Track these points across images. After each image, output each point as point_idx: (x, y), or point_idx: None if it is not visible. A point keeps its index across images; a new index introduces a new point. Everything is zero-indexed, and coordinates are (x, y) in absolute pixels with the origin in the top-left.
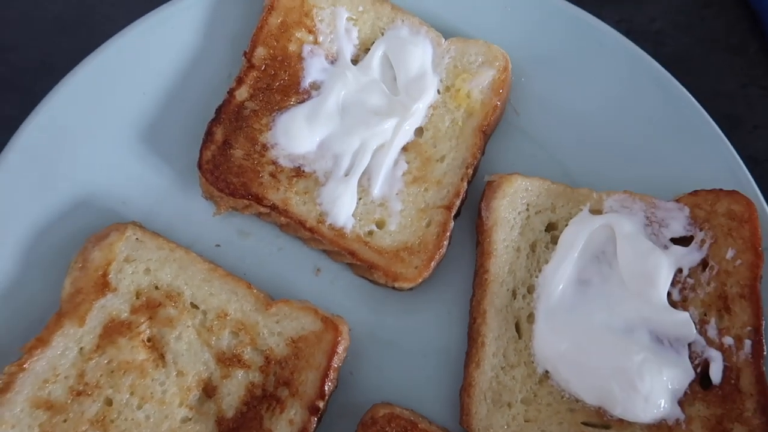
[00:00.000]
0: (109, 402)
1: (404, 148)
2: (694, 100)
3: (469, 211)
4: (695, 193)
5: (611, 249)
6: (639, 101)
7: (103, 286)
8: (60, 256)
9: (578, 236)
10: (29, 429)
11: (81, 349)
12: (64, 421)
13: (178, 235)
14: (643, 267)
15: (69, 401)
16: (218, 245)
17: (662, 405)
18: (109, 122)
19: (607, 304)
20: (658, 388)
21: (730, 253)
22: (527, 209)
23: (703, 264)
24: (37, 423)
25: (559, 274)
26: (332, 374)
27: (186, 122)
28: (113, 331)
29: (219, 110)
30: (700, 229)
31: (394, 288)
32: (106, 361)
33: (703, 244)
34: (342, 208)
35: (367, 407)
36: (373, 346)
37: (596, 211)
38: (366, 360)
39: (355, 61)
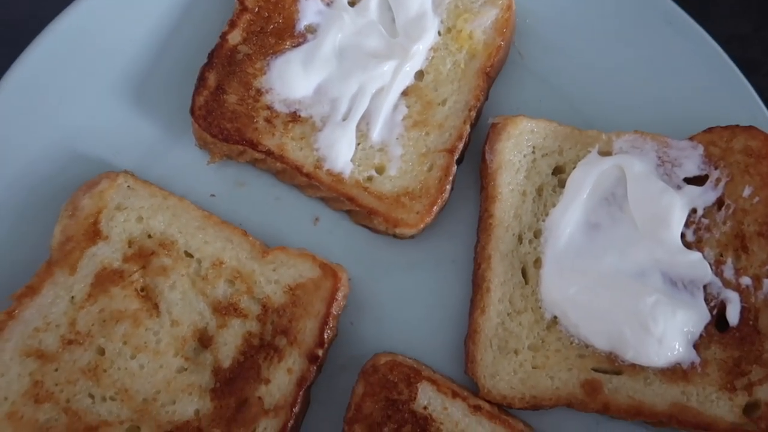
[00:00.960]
0: (101, 351)
1: (404, 93)
2: (706, 34)
3: (473, 157)
4: (710, 130)
5: (621, 191)
6: (649, 38)
7: (94, 234)
8: (51, 206)
9: (587, 178)
10: (19, 377)
11: (72, 297)
12: (56, 370)
13: (172, 185)
14: (655, 208)
15: (60, 350)
16: (213, 195)
17: (676, 348)
18: (98, 70)
19: (618, 246)
20: (671, 330)
21: (747, 191)
22: (533, 152)
23: (719, 203)
24: (28, 372)
25: (567, 218)
26: (331, 322)
27: (178, 68)
28: (105, 279)
29: (211, 55)
30: (715, 168)
31: (394, 236)
32: (98, 310)
33: (719, 182)
34: (340, 152)
35: (368, 358)
36: (373, 295)
37: (605, 153)
38: (367, 310)
39: (351, 3)
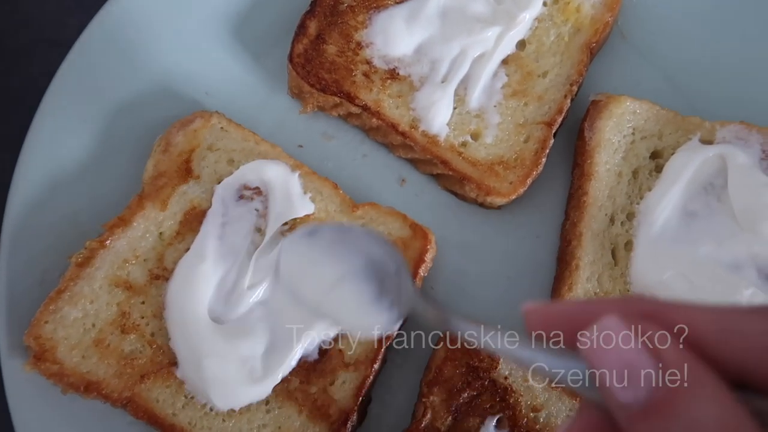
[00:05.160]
0: None
1: (504, 61)
2: None
3: (563, 134)
4: None
5: (720, 181)
6: (761, 27)
7: (186, 172)
8: (141, 140)
9: (687, 165)
10: (107, 306)
11: (161, 233)
12: (142, 302)
13: (259, 131)
14: (756, 201)
15: (147, 284)
16: (300, 146)
17: None
18: (196, 8)
19: (714, 237)
20: None
21: None
22: (633, 133)
23: None
24: (116, 301)
25: (664, 203)
26: (418, 283)
27: (277, 14)
28: (194, 219)
29: (314, 3)
30: None
31: (482, 204)
32: (185, 249)
33: None
34: (437, 114)
35: None
36: (455, 263)
37: (707, 142)
38: (447, 276)
39: None
